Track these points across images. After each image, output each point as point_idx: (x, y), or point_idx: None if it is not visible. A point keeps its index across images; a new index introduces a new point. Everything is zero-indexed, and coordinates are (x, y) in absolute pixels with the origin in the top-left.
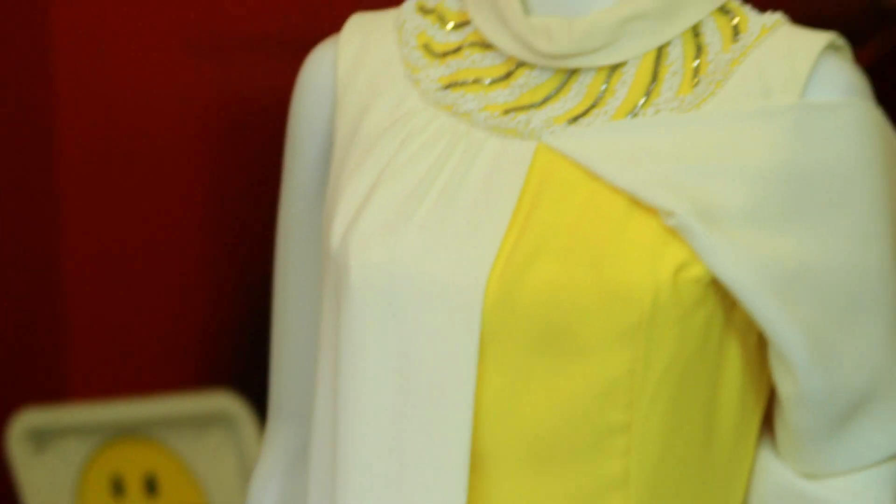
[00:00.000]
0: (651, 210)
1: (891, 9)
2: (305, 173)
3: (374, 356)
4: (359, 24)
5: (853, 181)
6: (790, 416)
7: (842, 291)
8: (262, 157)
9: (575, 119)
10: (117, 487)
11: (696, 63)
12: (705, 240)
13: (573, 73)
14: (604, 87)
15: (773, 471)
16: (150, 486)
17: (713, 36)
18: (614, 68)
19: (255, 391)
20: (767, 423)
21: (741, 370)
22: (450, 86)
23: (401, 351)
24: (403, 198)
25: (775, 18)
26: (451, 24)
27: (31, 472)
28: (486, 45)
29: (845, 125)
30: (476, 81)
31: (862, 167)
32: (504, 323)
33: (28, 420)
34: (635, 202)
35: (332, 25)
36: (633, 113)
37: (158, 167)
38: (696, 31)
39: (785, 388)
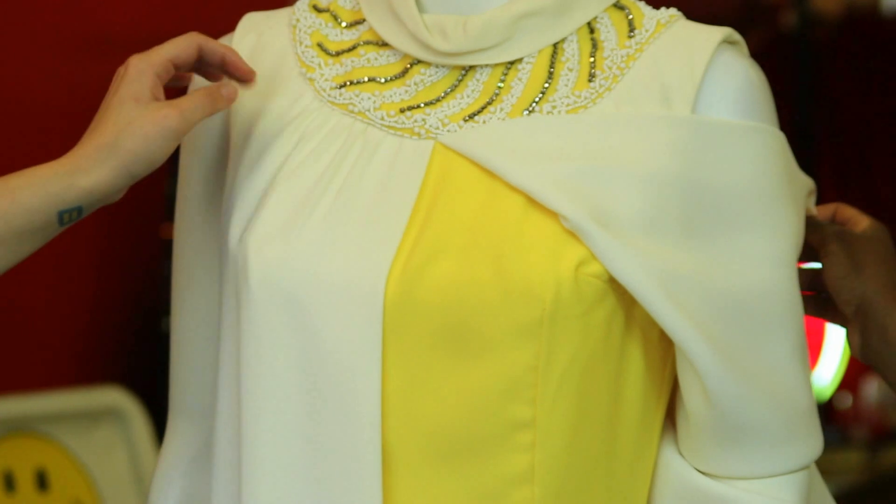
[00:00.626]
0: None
1: (765, 4)
2: (201, 172)
3: (276, 354)
4: (252, 23)
5: (753, 205)
6: (693, 416)
7: (745, 312)
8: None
9: (471, 116)
10: (8, 483)
11: (591, 59)
12: (601, 242)
13: (469, 70)
14: (500, 84)
15: (676, 467)
16: (41, 481)
17: (608, 32)
18: (510, 65)
19: (142, 387)
20: (669, 419)
21: (644, 365)
22: (345, 84)
23: (304, 348)
24: (301, 197)
25: (670, 13)
26: (344, 23)
27: None
28: (380, 44)
29: (746, 148)
30: (371, 80)
31: (763, 192)
32: (405, 320)
33: None
34: (534, 200)
35: (223, 25)
36: (529, 109)
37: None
38: (591, 28)
39: (690, 390)
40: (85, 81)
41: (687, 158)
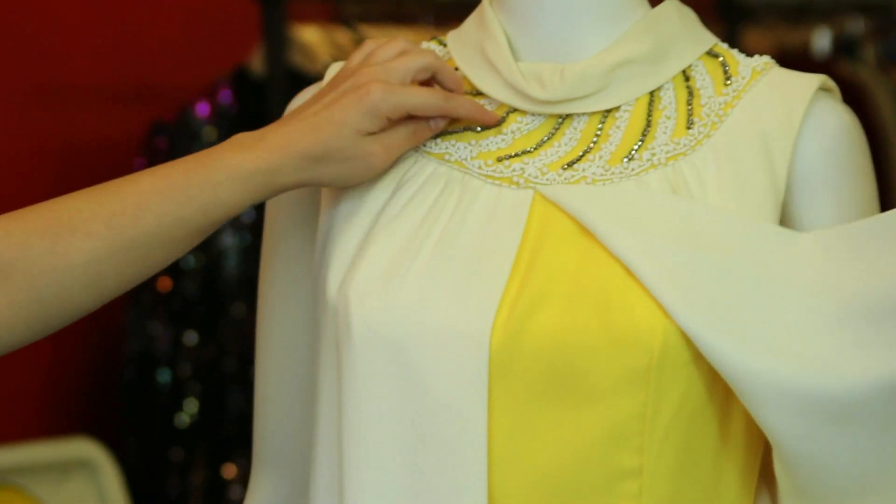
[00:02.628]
0: None
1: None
2: (291, 222)
3: (380, 404)
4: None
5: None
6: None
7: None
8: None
9: (570, 164)
10: None
11: (689, 106)
12: (693, 327)
13: (566, 118)
14: (598, 131)
15: None
16: None
17: (704, 79)
18: (607, 113)
19: (110, 437)
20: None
21: (746, 411)
22: (440, 134)
23: (408, 398)
24: (400, 245)
25: (765, 61)
26: None
27: None
28: (474, 93)
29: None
30: (467, 129)
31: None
32: (511, 368)
33: None
34: None
35: (168, 75)
36: (629, 157)
37: None
38: (686, 75)
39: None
40: (33, 129)
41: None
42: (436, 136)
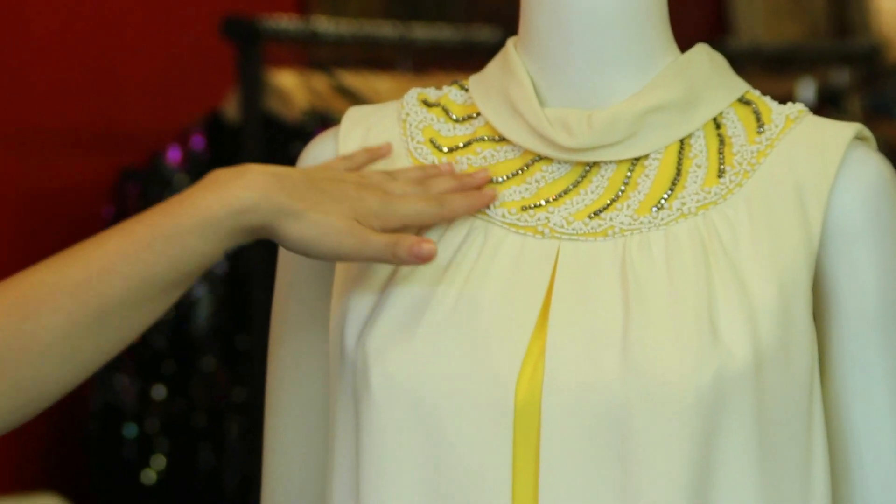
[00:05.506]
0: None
1: None
2: (305, 272)
3: (400, 458)
4: (359, 116)
5: None
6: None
7: None
8: (61, 238)
9: (597, 213)
10: None
11: (720, 155)
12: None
13: (593, 166)
14: (626, 180)
15: None
16: None
17: (735, 127)
18: (636, 161)
19: (74, 494)
20: None
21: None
22: None
23: (429, 452)
24: (422, 295)
25: (798, 108)
26: (456, 118)
27: None
28: (497, 139)
29: None
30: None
31: None
32: (538, 422)
33: None
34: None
35: (138, 119)
36: (658, 206)
37: None
38: (717, 123)
39: None
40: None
41: None
42: None
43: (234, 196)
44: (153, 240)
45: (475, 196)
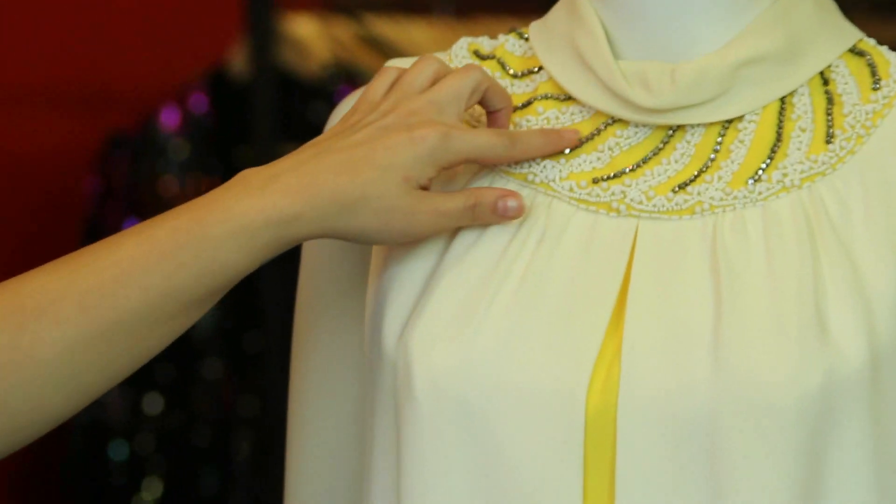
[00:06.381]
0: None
1: None
2: (334, 262)
3: (448, 475)
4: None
5: None
6: None
7: None
8: (33, 213)
9: (682, 187)
10: None
11: (829, 116)
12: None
13: (677, 130)
14: (717, 147)
15: None
16: None
17: (847, 84)
18: (728, 124)
19: None
20: None
21: None
22: None
23: (482, 469)
24: (475, 284)
25: None
26: (515, 72)
27: None
28: (563, 98)
29: None
30: None
31: None
32: (611, 440)
33: None
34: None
35: (129, 76)
36: (755, 178)
37: None
38: (825, 78)
39: None
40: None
41: None
42: None
43: (271, 204)
44: (177, 248)
45: (554, 135)
